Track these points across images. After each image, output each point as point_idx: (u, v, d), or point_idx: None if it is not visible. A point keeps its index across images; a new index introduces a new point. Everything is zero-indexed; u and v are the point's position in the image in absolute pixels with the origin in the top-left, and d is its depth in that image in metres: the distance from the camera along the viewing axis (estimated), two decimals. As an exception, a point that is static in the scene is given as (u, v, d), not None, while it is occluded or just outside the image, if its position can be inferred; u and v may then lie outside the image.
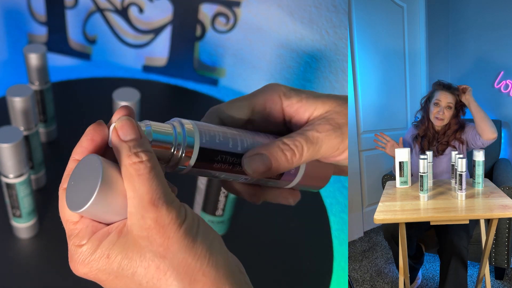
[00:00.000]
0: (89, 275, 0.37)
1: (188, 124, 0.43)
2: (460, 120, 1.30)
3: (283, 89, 0.47)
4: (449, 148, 1.29)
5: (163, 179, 0.37)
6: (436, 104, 1.28)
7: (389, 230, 1.25)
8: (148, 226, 0.35)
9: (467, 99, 1.26)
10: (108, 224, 0.39)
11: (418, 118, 1.37)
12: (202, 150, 0.42)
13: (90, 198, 0.36)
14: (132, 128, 0.37)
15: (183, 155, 0.41)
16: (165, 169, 0.42)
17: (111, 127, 0.39)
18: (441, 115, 1.27)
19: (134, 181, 0.36)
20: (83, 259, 0.37)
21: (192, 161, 0.41)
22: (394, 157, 1.23)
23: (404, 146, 1.33)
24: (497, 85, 1.83)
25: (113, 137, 0.37)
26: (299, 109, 0.46)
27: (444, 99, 1.27)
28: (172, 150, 0.40)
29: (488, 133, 1.22)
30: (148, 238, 0.35)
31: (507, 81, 1.80)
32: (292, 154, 0.43)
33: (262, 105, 0.46)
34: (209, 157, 0.42)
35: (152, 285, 0.36)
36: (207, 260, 0.37)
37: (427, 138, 1.31)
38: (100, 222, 0.38)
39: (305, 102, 0.46)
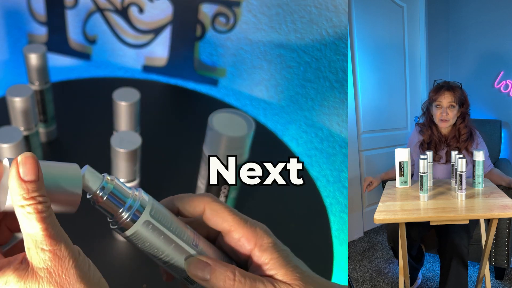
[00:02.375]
0: None
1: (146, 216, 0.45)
2: (468, 124, 1.28)
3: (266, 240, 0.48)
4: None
5: (55, 218, 0.41)
6: (438, 106, 1.26)
7: (395, 233, 1.25)
8: (48, 258, 0.39)
9: None
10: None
11: (421, 121, 1.35)
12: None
13: None
14: (34, 168, 0.40)
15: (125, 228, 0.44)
16: (111, 225, 0.45)
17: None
18: (444, 116, 1.25)
19: (32, 219, 0.39)
20: None
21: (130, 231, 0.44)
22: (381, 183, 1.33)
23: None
24: (497, 85, 1.83)
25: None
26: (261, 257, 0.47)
27: (445, 99, 1.25)
28: (121, 212, 0.44)
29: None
30: (47, 269, 0.40)
31: (507, 81, 1.80)
32: (233, 286, 0.45)
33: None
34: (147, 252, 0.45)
35: None
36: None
37: (433, 144, 1.29)
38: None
39: (274, 261, 0.47)
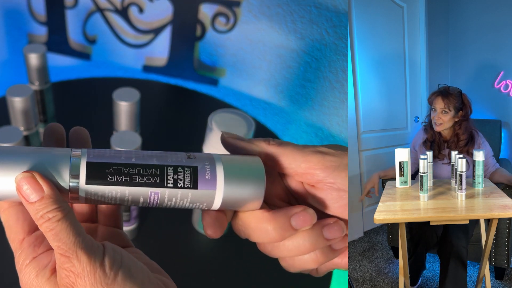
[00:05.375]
0: None
1: (76, 150, 0.42)
2: (467, 129, 1.28)
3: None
4: None
5: (75, 227, 0.39)
6: (433, 109, 1.29)
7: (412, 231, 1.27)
8: (65, 275, 0.39)
9: None
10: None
11: (426, 121, 1.37)
12: (89, 164, 0.40)
13: None
14: (34, 187, 0.39)
15: (72, 174, 0.40)
16: (69, 199, 0.41)
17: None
18: (437, 120, 1.27)
19: (48, 236, 0.39)
20: (26, 281, 0.41)
21: (82, 178, 0.40)
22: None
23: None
24: (497, 85, 1.83)
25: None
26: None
27: (438, 104, 1.26)
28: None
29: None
30: (66, 286, 0.39)
31: (507, 81, 1.80)
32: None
33: None
34: (100, 170, 0.40)
35: None
36: None
37: (436, 144, 1.31)
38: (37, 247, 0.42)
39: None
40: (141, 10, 1.31)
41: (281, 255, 0.45)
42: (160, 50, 1.36)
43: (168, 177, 0.41)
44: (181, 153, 0.43)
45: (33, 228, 0.42)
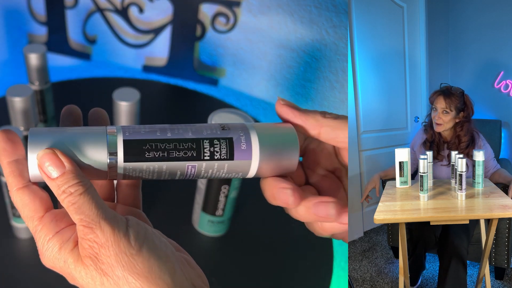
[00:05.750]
0: (55, 269, 0.42)
1: (111, 127, 0.43)
2: (469, 130, 1.27)
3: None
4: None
5: (96, 200, 0.40)
6: (434, 109, 1.27)
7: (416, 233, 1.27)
8: (88, 246, 0.39)
9: None
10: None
11: (427, 120, 1.36)
12: (126, 142, 0.41)
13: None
14: (55, 163, 0.40)
15: (110, 152, 0.41)
16: (107, 176, 0.42)
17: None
18: (437, 120, 1.25)
19: (70, 211, 0.39)
20: (49, 256, 0.41)
21: (120, 155, 0.41)
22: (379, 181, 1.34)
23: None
24: (497, 85, 1.83)
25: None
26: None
27: (439, 104, 1.24)
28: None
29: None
30: (90, 257, 0.39)
31: (507, 81, 1.80)
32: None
33: None
34: (137, 148, 0.41)
35: None
36: (149, 278, 0.39)
37: (435, 144, 1.30)
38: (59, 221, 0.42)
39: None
40: (141, 10, 1.31)
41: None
42: (160, 50, 1.36)
43: (205, 150, 0.42)
44: (215, 123, 0.44)
45: (49, 207, 0.43)
